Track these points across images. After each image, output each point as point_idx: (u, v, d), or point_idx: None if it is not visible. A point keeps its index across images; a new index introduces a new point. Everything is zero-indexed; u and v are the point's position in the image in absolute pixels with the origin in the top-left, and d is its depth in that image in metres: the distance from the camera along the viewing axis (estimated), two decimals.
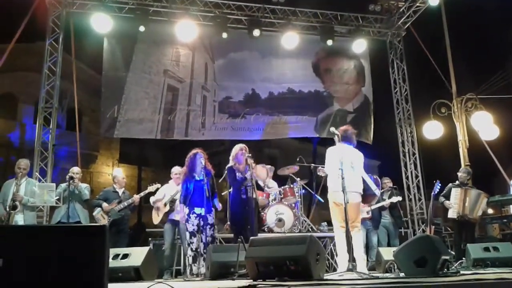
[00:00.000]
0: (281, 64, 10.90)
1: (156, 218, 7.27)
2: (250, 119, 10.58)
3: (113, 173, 8.93)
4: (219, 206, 6.43)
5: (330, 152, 5.80)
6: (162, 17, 10.01)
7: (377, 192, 6.41)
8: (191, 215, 6.14)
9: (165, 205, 7.11)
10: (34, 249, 2.71)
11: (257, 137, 10.70)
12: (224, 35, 9.92)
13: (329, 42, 10.46)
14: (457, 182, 7.95)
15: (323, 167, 6.04)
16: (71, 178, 6.88)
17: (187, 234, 6.11)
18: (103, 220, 7.14)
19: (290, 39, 10.38)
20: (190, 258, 5.99)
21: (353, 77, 11.31)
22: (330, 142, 6.27)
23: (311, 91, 11.01)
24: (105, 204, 7.27)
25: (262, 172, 8.21)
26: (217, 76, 10.57)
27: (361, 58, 11.38)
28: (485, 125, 9.95)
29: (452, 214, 7.67)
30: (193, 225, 6.13)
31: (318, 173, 6.26)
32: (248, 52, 10.75)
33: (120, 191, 7.60)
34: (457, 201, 7.65)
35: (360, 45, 10.86)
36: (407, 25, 11.09)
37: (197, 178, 6.28)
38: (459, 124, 10.25)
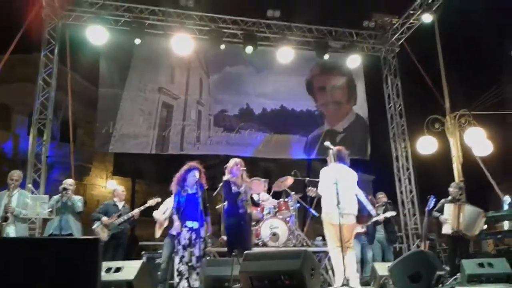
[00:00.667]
0: (275, 80, 11.02)
1: (157, 232, 7.25)
2: (245, 134, 10.67)
3: (112, 187, 8.89)
4: (210, 230, 6.39)
5: (325, 172, 5.78)
6: (158, 30, 10.07)
7: (373, 212, 6.40)
8: (183, 228, 6.07)
9: (165, 220, 7.06)
10: (26, 262, 2.68)
11: (250, 153, 10.72)
12: (222, 46, 9.98)
13: (326, 57, 10.53)
14: (449, 197, 7.92)
15: (313, 187, 6.01)
16: (64, 189, 6.83)
17: (180, 248, 6.03)
18: (103, 234, 7.12)
19: (285, 54, 10.45)
20: (185, 272, 5.91)
21: (345, 95, 11.47)
22: (324, 157, 6.26)
23: (303, 110, 11.15)
24: (104, 218, 7.27)
25: (259, 187, 8.18)
26: (212, 90, 10.67)
27: (354, 76, 11.53)
28: (478, 141, 9.98)
29: (446, 230, 7.61)
30: (184, 238, 6.05)
31: (308, 194, 6.22)
32: (244, 66, 10.87)
33: (120, 205, 7.61)
34: (451, 217, 7.61)
35: (354, 61, 10.95)
36: (401, 41, 11.22)
37: (190, 192, 6.22)
38: (452, 140, 10.30)
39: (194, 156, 9.22)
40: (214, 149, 10.62)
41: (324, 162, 6.15)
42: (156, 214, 7.29)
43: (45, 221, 7.54)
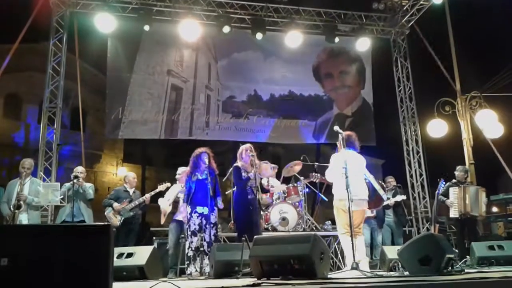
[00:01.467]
0: (282, 66, 10.92)
1: (162, 219, 7.31)
2: (253, 120, 10.62)
3: (123, 173, 8.97)
4: (221, 205, 6.45)
5: (335, 158, 5.78)
6: (165, 16, 10.02)
7: (385, 197, 6.41)
8: (193, 214, 6.15)
9: (169, 205, 7.13)
10: (39, 248, 2.73)
11: (260, 139, 10.73)
12: (227, 29, 9.88)
13: (336, 40, 10.45)
14: (453, 180, 7.90)
15: (322, 171, 6.03)
16: (76, 177, 6.91)
17: (189, 233, 6.12)
18: (115, 219, 7.18)
19: (294, 38, 10.37)
20: (193, 258, 6.01)
21: (354, 79, 11.33)
22: (333, 142, 6.25)
23: (311, 95, 11.07)
24: (115, 204, 7.33)
25: (267, 170, 8.20)
26: (221, 76, 10.62)
27: (363, 60, 11.37)
28: (489, 123, 9.91)
29: (454, 213, 7.62)
30: (194, 224, 6.13)
31: (311, 179, 6.23)
32: (252, 52, 10.76)
33: (131, 191, 7.65)
34: (457, 200, 7.61)
35: (363, 44, 10.82)
36: (411, 23, 11.05)
37: (200, 177, 6.28)
38: (463, 122, 10.22)
39: (202, 142, 9.25)
40: (223, 135, 10.58)
41: (333, 147, 6.16)
42: (161, 201, 7.35)
43: (57, 208, 7.66)
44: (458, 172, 7.92)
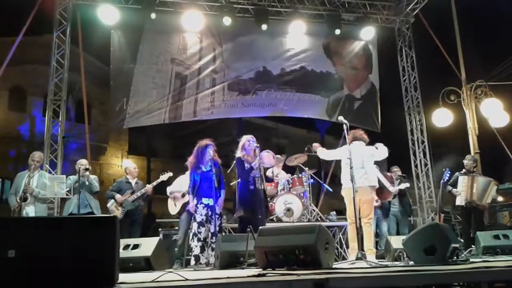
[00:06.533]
0: (292, 43, 10.75)
1: (173, 208, 7.27)
2: (262, 95, 10.42)
3: (124, 165, 8.94)
4: (221, 203, 6.45)
5: (340, 148, 6.13)
6: (168, 7, 9.97)
7: (391, 189, 6.55)
8: (198, 205, 6.18)
9: (183, 195, 7.11)
10: (45, 240, 2.75)
11: (267, 113, 10.61)
12: (228, 20, 9.84)
13: (337, 32, 10.37)
14: (463, 170, 7.91)
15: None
16: (87, 169, 6.91)
17: (195, 224, 6.15)
18: (117, 212, 7.16)
19: (298, 27, 10.32)
20: (198, 248, 6.04)
21: (361, 62, 11.19)
22: (337, 132, 6.32)
23: (322, 71, 10.89)
24: (118, 196, 7.30)
25: (269, 159, 8.18)
26: (226, 58, 10.42)
27: (370, 45, 11.27)
28: (495, 112, 9.86)
29: (460, 201, 7.65)
30: (201, 215, 6.17)
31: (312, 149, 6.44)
32: (257, 35, 10.53)
33: (133, 182, 7.62)
34: (464, 189, 7.63)
35: (368, 33, 10.76)
36: (415, 12, 10.95)
37: (204, 169, 6.31)
38: (468, 112, 10.17)
39: (207, 133, 9.22)
40: (229, 112, 10.42)
41: (337, 137, 6.25)
42: (172, 188, 7.32)
43: (63, 201, 7.68)
44: (467, 161, 7.92)
